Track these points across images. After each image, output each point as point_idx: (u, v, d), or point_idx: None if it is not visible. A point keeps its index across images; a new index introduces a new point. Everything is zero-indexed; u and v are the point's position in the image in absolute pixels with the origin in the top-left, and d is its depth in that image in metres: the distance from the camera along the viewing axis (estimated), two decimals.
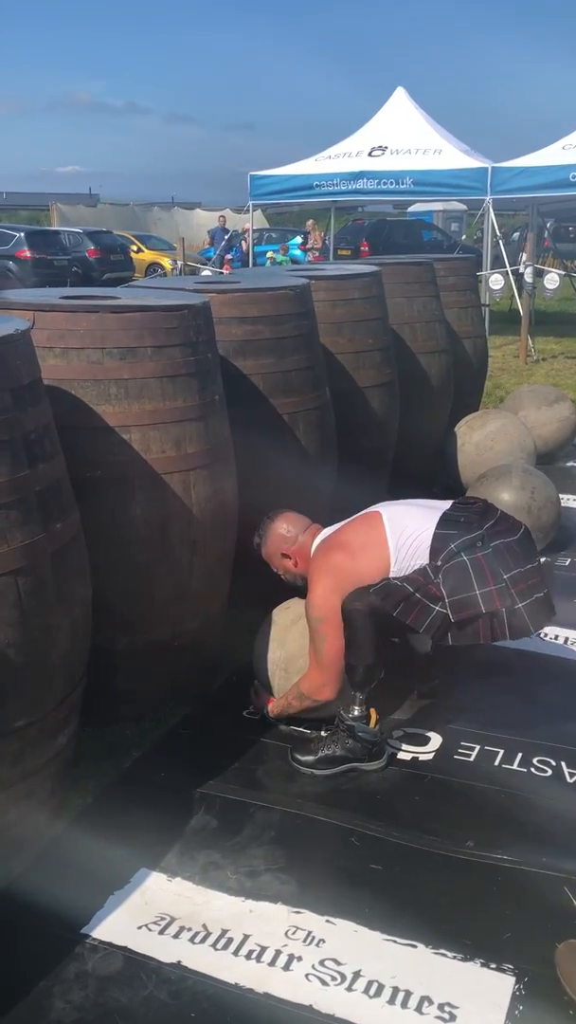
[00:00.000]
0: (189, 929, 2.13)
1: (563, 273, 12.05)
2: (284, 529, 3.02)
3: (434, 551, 2.69)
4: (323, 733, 2.80)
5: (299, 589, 2.99)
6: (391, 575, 2.71)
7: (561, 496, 4.58)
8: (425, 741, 2.86)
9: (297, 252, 20.05)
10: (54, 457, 2.23)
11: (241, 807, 2.54)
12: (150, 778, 2.67)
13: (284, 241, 22.62)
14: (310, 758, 2.72)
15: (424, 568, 2.68)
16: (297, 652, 2.90)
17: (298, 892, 2.24)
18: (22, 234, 19.77)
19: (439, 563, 2.66)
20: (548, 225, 19.74)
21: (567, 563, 4.39)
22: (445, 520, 2.74)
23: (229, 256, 17.29)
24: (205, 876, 2.29)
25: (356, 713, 2.72)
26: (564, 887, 2.23)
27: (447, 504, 2.85)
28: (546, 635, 3.60)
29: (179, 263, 12.15)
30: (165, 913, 2.17)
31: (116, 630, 2.79)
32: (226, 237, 17.95)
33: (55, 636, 2.17)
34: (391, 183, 12.04)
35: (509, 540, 2.71)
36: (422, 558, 2.70)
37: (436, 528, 2.73)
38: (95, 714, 2.72)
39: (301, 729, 2.91)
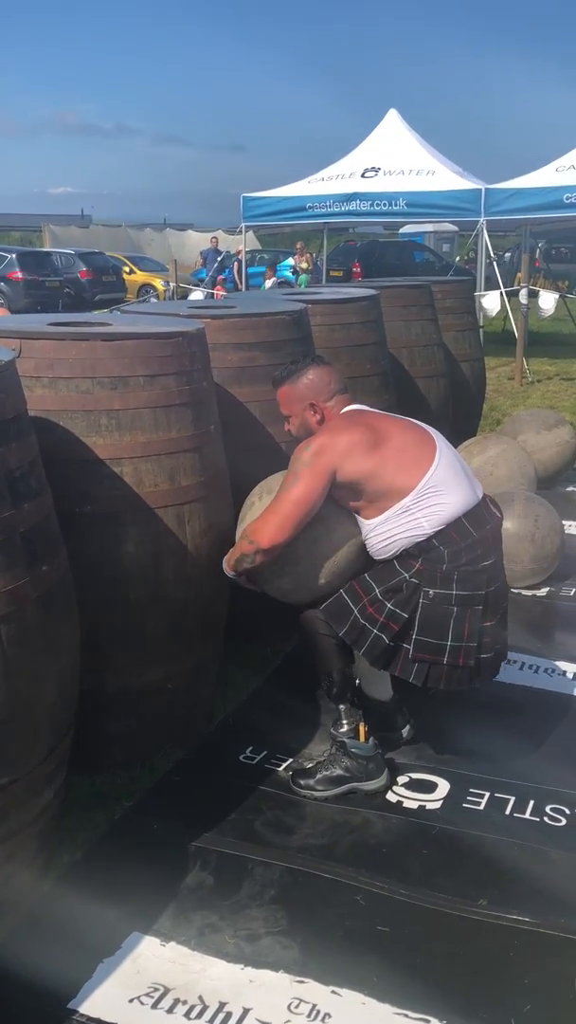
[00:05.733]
0: (184, 1002, 1.98)
1: (557, 294, 12.01)
2: (327, 378, 2.69)
3: (435, 559, 2.50)
4: (318, 755, 2.79)
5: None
6: (392, 511, 2.51)
7: (562, 522, 4.46)
8: (432, 788, 2.73)
9: (288, 274, 20.02)
10: (40, 495, 2.10)
11: (239, 863, 2.40)
12: (143, 830, 2.53)
13: (275, 262, 22.62)
14: (309, 780, 2.69)
15: (409, 562, 2.52)
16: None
17: (301, 958, 2.09)
18: (13, 255, 19.74)
19: (431, 592, 2.50)
20: (540, 246, 19.80)
21: (571, 593, 4.26)
22: (465, 523, 2.54)
23: (222, 277, 17.24)
24: (201, 940, 2.15)
25: (345, 728, 2.71)
26: None
27: (480, 493, 2.64)
28: (554, 671, 3.47)
29: (171, 285, 12.08)
30: (158, 983, 2.03)
31: (107, 672, 2.66)
32: (219, 259, 17.91)
33: (41, 686, 2.03)
34: (384, 204, 12.01)
35: (496, 587, 2.61)
36: (425, 528, 2.51)
37: (458, 519, 2.52)
38: (85, 760, 2.58)
39: (301, 761, 2.84)
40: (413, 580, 2.53)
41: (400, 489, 2.52)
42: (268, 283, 16.90)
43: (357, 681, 2.82)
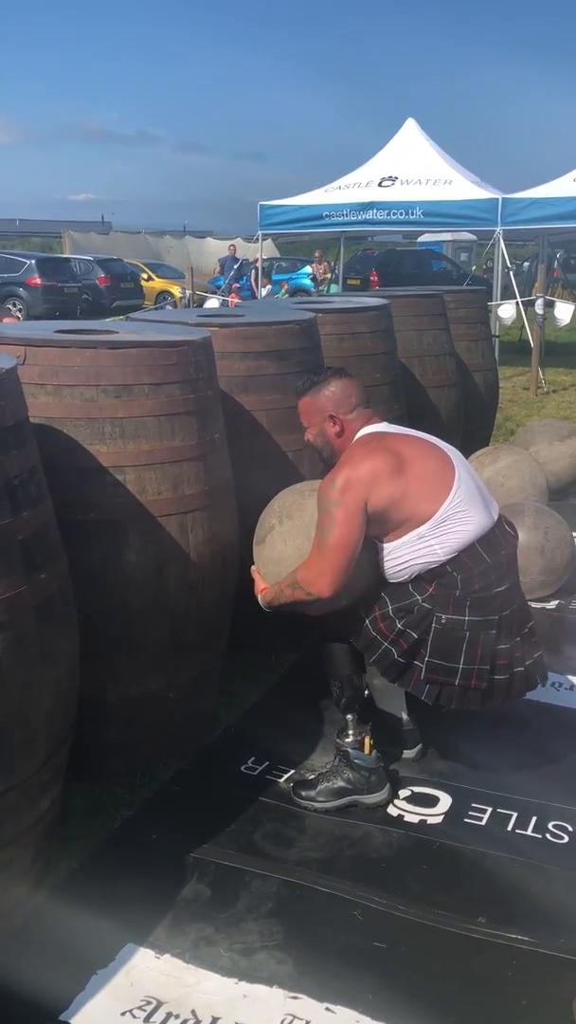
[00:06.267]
0: (176, 1016, 1.96)
1: (574, 304, 11.94)
2: (348, 391, 2.66)
3: (448, 584, 2.49)
4: (320, 767, 2.77)
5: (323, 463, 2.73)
6: (408, 536, 2.50)
7: (574, 534, 4.43)
8: (434, 802, 2.70)
9: (306, 282, 20.05)
10: (40, 502, 2.10)
11: (237, 874, 2.38)
12: (141, 840, 2.51)
13: (294, 270, 22.66)
14: (310, 792, 2.67)
15: (422, 586, 2.52)
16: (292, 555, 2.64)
17: (296, 974, 2.07)
18: (32, 261, 19.88)
19: (443, 618, 2.50)
20: (558, 256, 19.71)
21: None
22: (479, 549, 2.53)
23: (237, 285, 17.28)
24: (196, 953, 2.13)
25: (350, 739, 2.68)
26: None
27: (496, 515, 2.63)
28: (562, 685, 3.43)
29: (188, 292, 12.11)
30: (151, 996, 2.01)
31: (107, 681, 2.65)
32: (235, 266, 17.96)
33: (37, 694, 2.03)
34: (401, 213, 11.98)
35: (511, 611, 2.59)
36: (439, 555, 2.50)
37: (472, 546, 2.51)
38: (84, 769, 2.58)
39: (303, 773, 2.82)
40: (426, 604, 2.52)
41: (419, 517, 2.51)
42: (264, 291, 16.88)
43: (366, 692, 2.80)
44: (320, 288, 18.37)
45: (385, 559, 2.58)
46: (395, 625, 2.54)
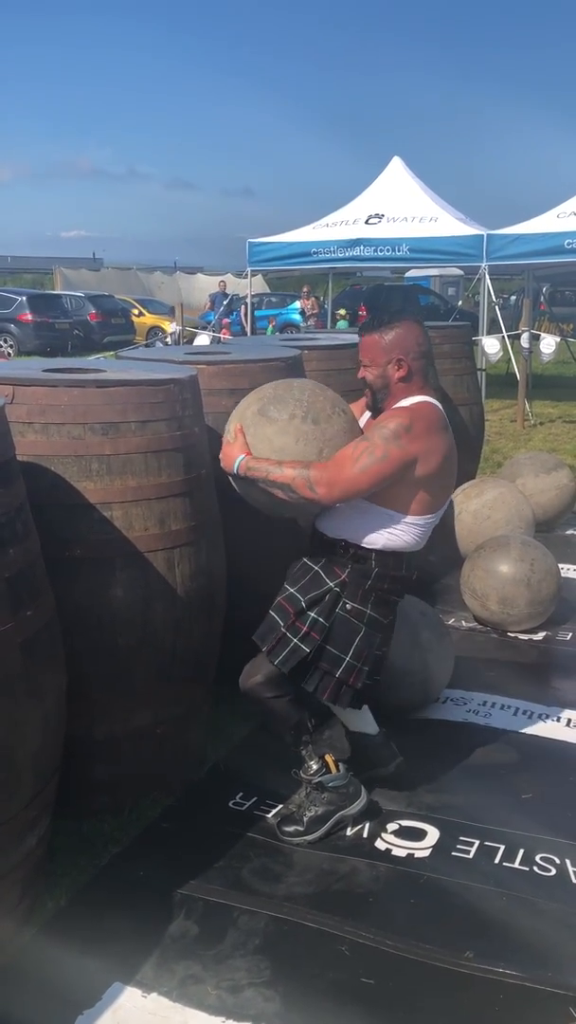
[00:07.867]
0: None
1: (559, 337, 12.09)
2: (420, 338, 2.59)
3: (362, 572, 2.57)
4: (298, 799, 2.78)
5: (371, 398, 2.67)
6: (383, 511, 2.53)
7: (560, 566, 4.46)
8: (421, 836, 2.70)
9: (295, 317, 20.27)
10: (26, 539, 2.12)
11: (224, 911, 2.37)
12: (128, 877, 2.51)
13: (284, 305, 22.90)
14: (298, 827, 2.68)
15: (335, 571, 2.58)
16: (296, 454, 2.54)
17: (283, 1011, 2.06)
18: (24, 298, 20.05)
19: (348, 605, 2.57)
20: (544, 289, 19.96)
21: (568, 637, 4.24)
22: (405, 561, 2.64)
23: (227, 320, 17.45)
24: (183, 991, 2.12)
25: (314, 767, 2.71)
26: (570, 1008, 2.05)
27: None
28: (548, 717, 3.45)
29: (177, 328, 12.23)
30: None
31: (94, 718, 2.65)
32: (225, 302, 18.15)
33: (24, 731, 2.04)
34: (388, 250, 12.14)
35: (391, 620, 2.69)
36: (376, 544, 2.55)
37: (405, 553, 2.60)
38: (72, 806, 2.58)
39: (289, 807, 2.81)
40: (336, 590, 2.58)
41: (422, 509, 2.55)
42: (169, 330, 16.79)
43: (311, 722, 2.77)
44: (308, 323, 18.57)
45: (342, 508, 2.55)
46: (308, 617, 2.58)
